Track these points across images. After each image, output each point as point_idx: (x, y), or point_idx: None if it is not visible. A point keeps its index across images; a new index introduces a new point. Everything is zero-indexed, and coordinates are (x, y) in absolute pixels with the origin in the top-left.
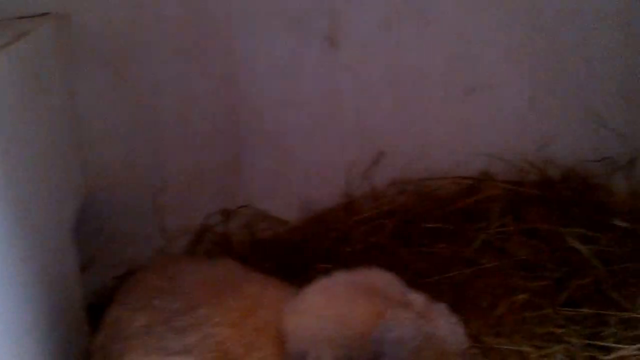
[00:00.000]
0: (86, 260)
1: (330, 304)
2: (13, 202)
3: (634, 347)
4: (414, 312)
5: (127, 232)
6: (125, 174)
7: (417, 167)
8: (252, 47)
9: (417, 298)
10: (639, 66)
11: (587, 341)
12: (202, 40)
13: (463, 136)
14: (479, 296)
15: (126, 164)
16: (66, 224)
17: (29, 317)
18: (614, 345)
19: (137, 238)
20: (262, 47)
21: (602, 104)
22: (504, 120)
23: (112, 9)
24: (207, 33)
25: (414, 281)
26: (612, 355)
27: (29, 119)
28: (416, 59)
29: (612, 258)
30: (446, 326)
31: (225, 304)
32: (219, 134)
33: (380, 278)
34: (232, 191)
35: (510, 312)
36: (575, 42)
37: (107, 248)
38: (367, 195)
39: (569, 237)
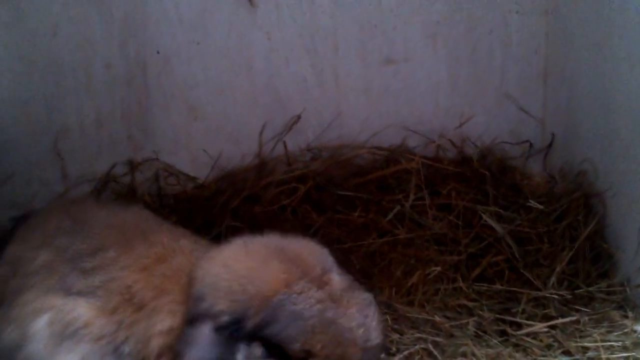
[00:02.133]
0: None
1: (243, 258)
2: None
3: (544, 324)
4: (326, 293)
5: (25, 175)
6: (20, 115)
7: (331, 134)
8: None
9: (339, 281)
10: (558, 52)
11: (499, 316)
12: None
13: (380, 107)
14: (392, 266)
15: (21, 104)
16: None
17: None
18: (524, 321)
19: (36, 182)
20: None
21: (520, 88)
22: (421, 95)
23: None
24: None
25: (327, 247)
26: (523, 331)
27: None
28: (332, 25)
29: (525, 238)
30: (358, 317)
31: (135, 250)
32: (122, 80)
33: (308, 249)
34: (139, 142)
35: (423, 283)
36: (494, 24)
37: (3, 189)
38: (280, 159)
39: (484, 215)
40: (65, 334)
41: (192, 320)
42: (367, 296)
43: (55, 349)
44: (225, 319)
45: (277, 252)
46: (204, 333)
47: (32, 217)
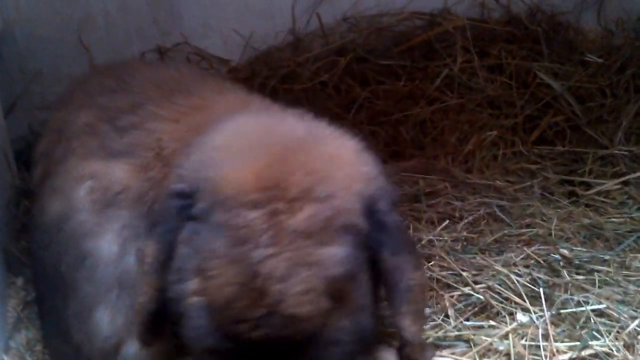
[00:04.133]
0: (9, 103)
1: (229, 142)
2: None
3: (615, 181)
4: (268, 225)
5: (51, 71)
6: (43, 6)
7: (368, 2)
8: None
9: (307, 219)
10: None
11: (565, 177)
12: None
13: None
14: (445, 134)
15: None
16: None
17: None
18: (593, 180)
19: (65, 78)
20: None
21: None
22: None
23: None
24: None
25: (373, 121)
26: (593, 190)
27: None
28: None
29: (586, 94)
30: (284, 271)
31: (173, 101)
32: None
33: (322, 160)
34: (166, 27)
35: (480, 149)
36: None
37: (31, 89)
38: (316, 33)
39: (539, 72)
40: (106, 201)
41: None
42: (332, 255)
43: (99, 219)
44: (179, 186)
45: (268, 153)
46: (167, 196)
47: (78, 80)
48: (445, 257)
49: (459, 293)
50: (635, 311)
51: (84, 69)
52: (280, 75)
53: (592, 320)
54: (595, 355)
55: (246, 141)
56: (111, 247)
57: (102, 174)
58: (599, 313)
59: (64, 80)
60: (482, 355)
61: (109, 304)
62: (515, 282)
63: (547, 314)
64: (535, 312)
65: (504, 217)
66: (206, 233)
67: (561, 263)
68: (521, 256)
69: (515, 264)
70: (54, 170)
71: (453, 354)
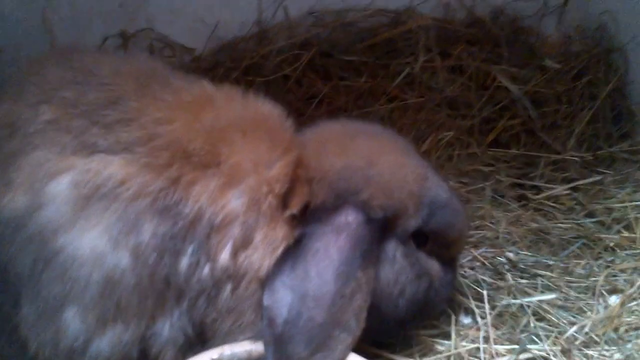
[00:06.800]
0: None
1: (385, 154)
2: None
3: (565, 187)
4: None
5: (11, 50)
6: None
7: None
8: None
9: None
10: None
11: (517, 180)
12: None
13: None
14: (403, 132)
15: None
16: None
17: None
18: (544, 184)
19: (23, 58)
20: None
21: None
22: None
23: None
24: None
25: (332, 115)
26: (543, 195)
27: None
28: None
29: (542, 99)
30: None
31: (159, 98)
32: None
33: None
34: (131, 12)
35: (436, 149)
36: None
37: None
38: (282, 25)
39: (499, 75)
40: (96, 195)
41: (336, 207)
42: None
43: (80, 213)
44: (380, 214)
45: (405, 145)
46: (356, 223)
47: (20, 71)
48: None
49: None
50: (575, 317)
51: (46, 50)
52: (243, 67)
53: (532, 324)
54: (533, 359)
55: (393, 149)
56: (97, 242)
57: (90, 169)
58: (540, 317)
59: (24, 61)
60: (422, 355)
61: (81, 303)
62: (461, 283)
63: (488, 316)
64: (477, 314)
65: None
66: (442, 222)
67: (506, 266)
68: (468, 258)
69: (461, 265)
70: (6, 165)
71: (393, 352)
